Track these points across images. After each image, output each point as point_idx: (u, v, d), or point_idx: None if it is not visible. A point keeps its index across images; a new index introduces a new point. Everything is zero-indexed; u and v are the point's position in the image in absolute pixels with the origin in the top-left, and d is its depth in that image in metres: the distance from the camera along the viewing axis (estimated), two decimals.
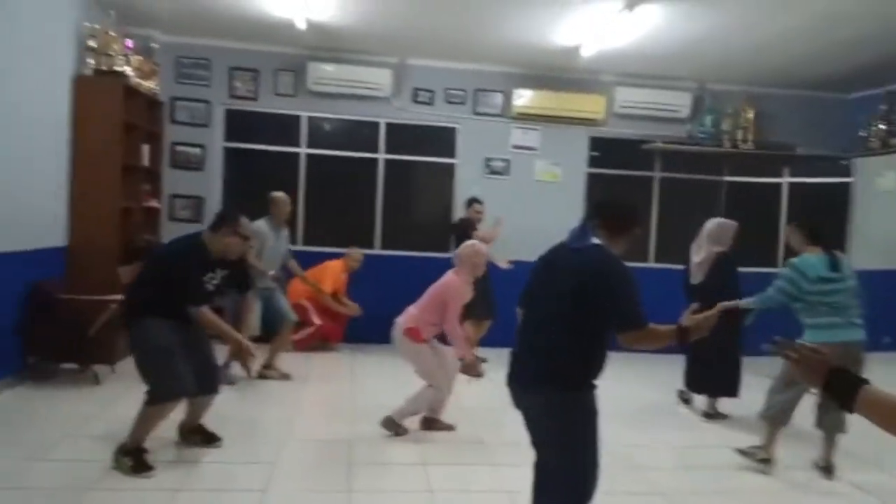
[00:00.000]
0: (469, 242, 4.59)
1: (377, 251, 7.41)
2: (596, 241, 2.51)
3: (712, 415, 5.19)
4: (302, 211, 7.22)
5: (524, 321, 2.63)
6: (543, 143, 7.53)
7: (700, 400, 5.35)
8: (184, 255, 3.72)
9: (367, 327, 7.12)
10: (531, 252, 7.80)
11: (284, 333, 5.75)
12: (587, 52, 6.44)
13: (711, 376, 5.19)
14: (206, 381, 3.80)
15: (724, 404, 5.23)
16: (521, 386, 2.53)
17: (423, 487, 3.60)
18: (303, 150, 7.32)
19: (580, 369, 2.43)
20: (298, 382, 5.63)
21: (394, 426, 4.33)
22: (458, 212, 7.12)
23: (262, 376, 5.55)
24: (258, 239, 5.24)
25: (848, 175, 7.61)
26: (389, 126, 7.42)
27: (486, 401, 5.29)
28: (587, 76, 7.38)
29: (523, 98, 7.33)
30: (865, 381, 1.40)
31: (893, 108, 6.77)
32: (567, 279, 2.45)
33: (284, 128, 7.28)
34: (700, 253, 5.16)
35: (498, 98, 7.46)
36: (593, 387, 2.47)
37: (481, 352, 6.43)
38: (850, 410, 1.41)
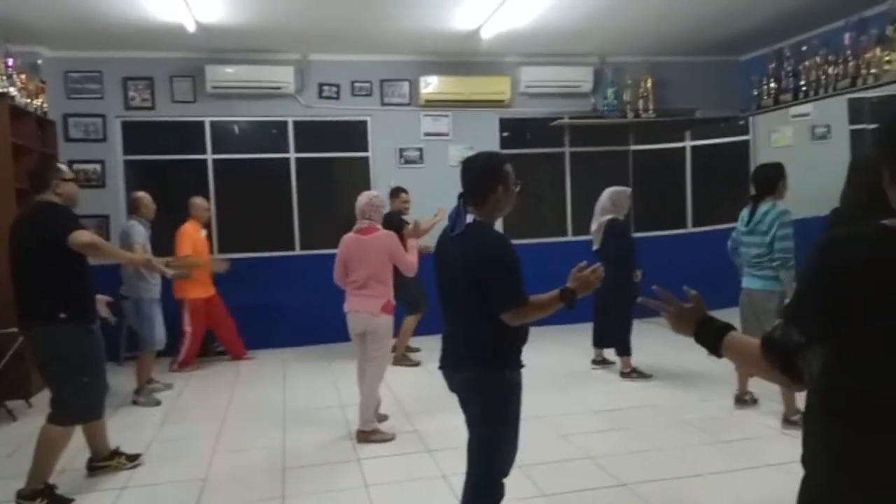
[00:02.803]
0: (363, 194, 4.33)
1: (298, 252, 7.32)
2: (469, 219, 2.45)
3: (628, 373, 5.44)
4: (215, 218, 7.03)
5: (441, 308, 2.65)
6: (455, 129, 7.58)
7: (618, 362, 5.58)
8: (53, 215, 3.38)
9: (295, 331, 7.07)
10: None
11: None
12: (487, 34, 6.49)
13: (616, 335, 5.49)
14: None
15: (639, 361, 5.47)
16: (450, 368, 2.58)
17: (358, 483, 3.59)
18: (209, 156, 7.12)
19: (497, 350, 2.45)
20: (223, 394, 5.50)
21: (369, 434, 4.21)
22: None
23: (150, 391, 5.40)
24: (140, 242, 5.08)
25: (745, 133, 7.97)
26: (298, 124, 7.30)
27: (420, 390, 5.34)
28: (491, 58, 7.44)
29: (430, 85, 7.34)
30: (730, 328, 1.50)
31: (781, 65, 7.10)
32: (452, 269, 2.48)
33: (187, 135, 7.06)
34: (595, 222, 5.49)
35: (405, 87, 7.44)
36: (518, 364, 2.49)
37: (414, 342, 6.46)
38: (719, 356, 1.50)
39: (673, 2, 5.96)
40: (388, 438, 4.22)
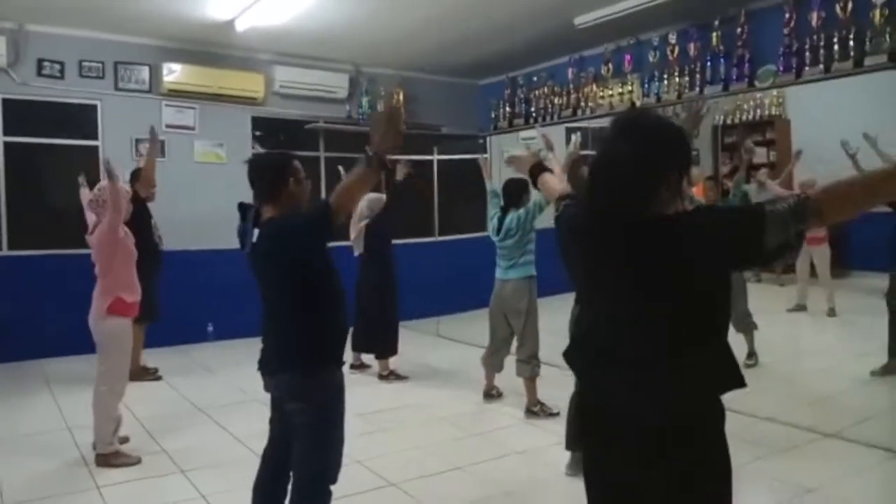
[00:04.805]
0: (99, 185, 3.87)
1: (6, 252, 6.21)
2: (267, 215, 2.40)
3: (387, 376, 5.59)
4: None
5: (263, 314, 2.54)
6: (202, 123, 7.07)
7: (376, 365, 5.69)
8: None
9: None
10: (200, 239, 7.27)
11: None
12: (242, 26, 6.19)
13: (375, 338, 5.59)
14: None
15: (395, 363, 5.65)
16: (266, 371, 2.49)
17: None
18: None
19: (315, 348, 2.38)
20: None
21: (109, 458, 3.69)
22: None
23: None
24: None
25: (484, 151, 8.67)
26: (10, 103, 6.21)
27: (164, 406, 4.88)
28: (245, 53, 7.12)
29: (174, 73, 6.75)
30: (546, 170, 2.18)
31: (514, 92, 7.87)
32: (264, 267, 2.41)
33: None
34: (355, 228, 5.61)
35: (144, 72, 6.75)
36: (339, 363, 2.45)
37: (149, 354, 5.86)
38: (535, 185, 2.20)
39: (419, 22, 6.27)
40: (132, 462, 3.76)
